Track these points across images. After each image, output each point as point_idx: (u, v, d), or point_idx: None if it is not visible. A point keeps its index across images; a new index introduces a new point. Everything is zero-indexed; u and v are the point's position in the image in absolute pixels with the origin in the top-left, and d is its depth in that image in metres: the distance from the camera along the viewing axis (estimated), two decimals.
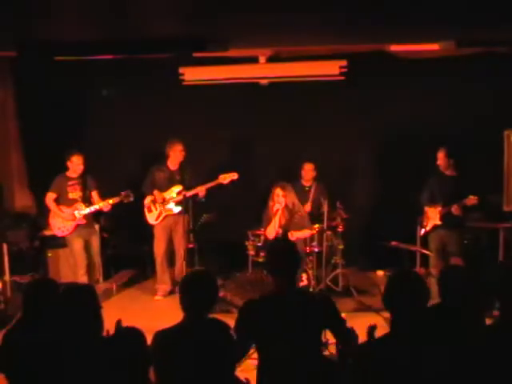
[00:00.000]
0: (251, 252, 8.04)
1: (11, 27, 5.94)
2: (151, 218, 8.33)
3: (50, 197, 7.90)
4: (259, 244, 7.97)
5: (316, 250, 7.82)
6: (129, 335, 3.52)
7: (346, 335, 4.14)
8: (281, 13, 5.34)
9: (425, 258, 7.91)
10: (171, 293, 8.23)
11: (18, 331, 4.04)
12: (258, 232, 7.95)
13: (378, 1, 4.97)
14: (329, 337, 4.67)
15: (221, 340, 3.85)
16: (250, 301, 4.29)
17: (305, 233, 7.65)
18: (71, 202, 7.87)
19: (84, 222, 7.91)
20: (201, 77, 8.38)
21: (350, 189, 9.33)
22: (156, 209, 8.27)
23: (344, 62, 8.08)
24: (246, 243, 8.06)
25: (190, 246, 8.28)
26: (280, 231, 7.63)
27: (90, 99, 9.48)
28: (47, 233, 8.62)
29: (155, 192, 8.22)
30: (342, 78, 8.15)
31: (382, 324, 6.11)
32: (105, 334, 3.76)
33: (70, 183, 7.89)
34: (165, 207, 8.22)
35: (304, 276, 7.60)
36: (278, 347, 3.95)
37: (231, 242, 8.75)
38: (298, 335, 3.96)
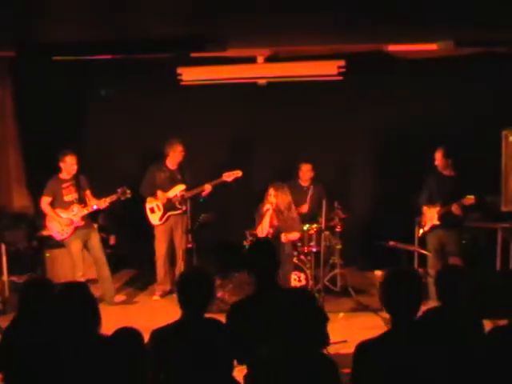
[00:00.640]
0: None
1: (10, 27, 5.94)
2: (154, 218, 8.28)
3: (45, 201, 7.78)
4: None
5: (314, 249, 7.82)
6: (126, 335, 3.51)
7: (321, 336, 4.11)
8: (279, 13, 5.35)
9: (423, 258, 7.91)
10: (170, 292, 8.23)
11: (14, 331, 4.03)
12: (254, 232, 7.96)
13: (376, 1, 4.98)
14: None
15: (218, 339, 3.86)
16: (236, 304, 4.31)
17: (295, 235, 7.69)
18: (67, 205, 7.79)
19: (82, 223, 7.87)
20: (199, 77, 8.37)
21: (348, 189, 9.33)
22: (159, 210, 8.24)
23: (342, 62, 8.08)
24: (244, 243, 8.06)
25: (189, 245, 8.27)
26: (271, 231, 7.67)
27: (88, 99, 9.47)
28: (45, 233, 8.58)
29: (159, 192, 8.18)
30: (341, 77, 8.15)
31: (380, 324, 6.15)
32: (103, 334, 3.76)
33: (64, 185, 7.78)
34: (168, 208, 8.19)
35: (302, 276, 7.61)
36: (267, 347, 3.94)
37: (229, 241, 8.75)
38: (286, 334, 3.95)
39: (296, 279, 7.62)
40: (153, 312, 7.57)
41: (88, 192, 7.97)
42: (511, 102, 8.38)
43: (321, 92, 8.79)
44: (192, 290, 3.86)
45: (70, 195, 7.81)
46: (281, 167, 9.03)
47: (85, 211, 7.84)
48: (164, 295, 8.26)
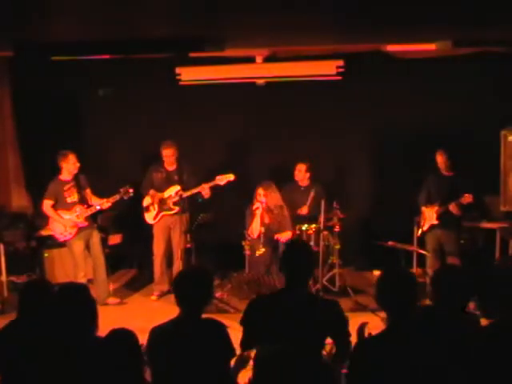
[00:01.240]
0: (248, 252, 8.05)
1: (8, 27, 5.93)
2: (149, 217, 8.33)
3: (47, 204, 7.75)
4: None
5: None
6: (120, 337, 3.51)
7: (344, 349, 4.11)
8: (278, 13, 5.35)
9: (422, 257, 7.92)
10: (168, 293, 8.23)
11: (12, 332, 4.02)
12: (247, 232, 7.98)
13: (375, 1, 4.98)
14: None
15: (215, 338, 3.86)
16: (259, 297, 4.29)
17: (287, 234, 7.72)
18: (70, 206, 7.77)
19: (86, 224, 7.87)
20: (197, 77, 8.37)
21: (346, 189, 9.32)
22: (154, 209, 8.27)
23: (341, 62, 8.08)
24: (243, 243, 8.07)
25: (188, 245, 8.27)
26: (263, 230, 7.69)
27: (86, 99, 9.47)
28: (44, 233, 8.61)
29: (152, 192, 8.22)
30: (339, 77, 8.15)
31: (378, 324, 6.13)
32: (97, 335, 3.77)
33: (65, 187, 7.75)
34: (162, 207, 8.22)
35: None
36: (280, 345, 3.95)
37: (228, 241, 8.75)
38: (300, 335, 3.95)
39: None
40: (150, 312, 7.56)
41: (88, 191, 7.97)
42: (510, 102, 8.38)
43: (319, 92, 8.79)
44: (189, 288, 3.87)
45: (72, 196, 7.79)
46: (280, 167, 9.03)
47: (88, 212, 7.83)
48: (162, 295, 8.25)
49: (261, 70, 8.44)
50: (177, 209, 8.12)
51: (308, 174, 8.55)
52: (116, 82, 9.16)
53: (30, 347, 3.77)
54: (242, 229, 8.07)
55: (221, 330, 3.91)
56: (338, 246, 8.20)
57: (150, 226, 8.37)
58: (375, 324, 3.91)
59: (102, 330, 3.78)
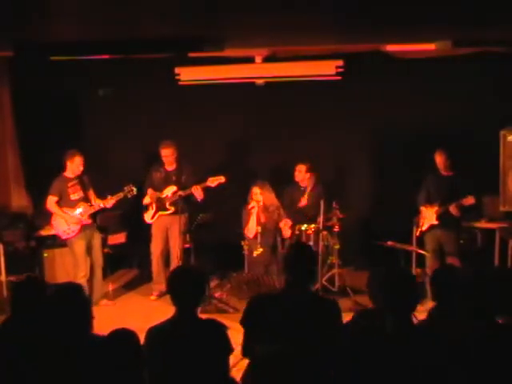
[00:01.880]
0: (247, 252, 8.05)
1: (8, 27, 5.93)
2: (147, 216, 8.35)
3: (52, 200, 7.76)
4: None
5: None
6: (122, 337, 3.51)
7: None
8: (277, 13, 5.34)
9: (421, 257, 7.92)
10: (167, 292, 8.21)
11: (5, 331, 4.02)
12: (244, 232, 7.99)
13: (374, 1, 4.98)
14: None
15: (213, 338, 3.87)
16: (259, 296, 4.30)
17: (286, 232, 7.79)
18: (74, 203, 7.79)
19: (89, 222, 7.89)
20: (197, 77, 8.37)
21: (346, 189, 9.32)
22: (152, 208, 8.29)
23: (340, 62, 8.07)
24: (242, 243, 8.07)
25: (186, 246, 8.28)
26: (259, 229, 7.70)
27: (86, 99, 9.47)
28: (43, 233, 8.61)
29: (151, 191, 8.23)
30: (339, 77, 8.15)
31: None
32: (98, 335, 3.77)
33: (70, 184, 7.79)
34: (159, 207, 8.22)
35: None
36: (278, 345, 3.95)
37: (227, 242, 8.75)
38: (300, 335, 3.95)
39: None
40: (149, 312, 7.56)
41: (91, 191, 7.99)
42: (509, 102, 8.39)
43: (319, 92, 8.79)
44: (180, 287, 3.91)
45: (76, 193, 7.81)
46: (279, 167, 9.03)
47: (92, 210, 7.86)
48: (161, 295, 8.25)
49: (260, 70, 8.44)
50: (173, 209, 8.13)
51: (308, 175, 8.54)
52: (116, 82, 9.17)
53: (24, 346, 3.76)
54: (242, 229, 8.07)
55: (219, 329, 3.92)
56: (337, 246, 8.20)
57: (150, 226, 8.38)
58: None
59: (102, 330, 3.78)
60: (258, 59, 8.36)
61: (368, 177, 9.45)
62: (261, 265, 7.99)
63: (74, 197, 7.80)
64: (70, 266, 8.03)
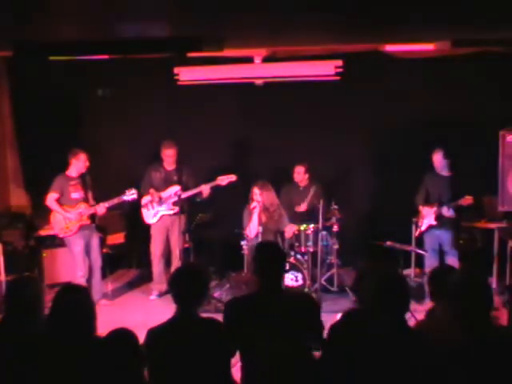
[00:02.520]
0: (246, 252, 8.05)
1: (7, 27, 5.92)
2: (148, 217, 8.34)
3: (52, 197, 7.75)
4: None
5: (311, 249, 7.83)
6: (120, 337, 3.52)
7: (318, 344, 4.12)
8: (276, 13, 5.34)
9: (420, 257, 7.92)
10: (167, 292, 8.23)
11: (1, 331, 4.02)
12: (244, 232, 7.99)
13: (374, 1, 4.97)
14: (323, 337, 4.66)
15: (213, 338, 3.86)
16: (234, 300, 4.31)
17: (291, 228, 7.78)
18: (74, 202, 7.79)
19: (88, 222, 7.89)
20: (196, 77, 8.35)
21: (345, 189, 9.32)
22: (153, 208, 8.28)
23: (340, 62, 8.06)
24: (242, 243, 8.07)
25: (186, 245, 8.28)
26: (260, 229, 7.71)
27: (86, 99, 9.47)
28: (42, 233, 8.62)
29: (152, 191, 8.22)
30: (338, 78, 8.14)
31: None
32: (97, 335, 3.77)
33: (71, 183, 7.79)
34: (161, 207, 8.22)
35: (299, 276, 7.61)
36: (261, 348, 3.94)
37: (227, 241, 8.75)
38: (282, 336, 3.95)
39: (293, 279, 7.63)
40: (149, 312, 7.57)
41: (90, 193, 7.98)
42: (508, 102, 8.39)
43: (318, 92, 8.78)
44: (183, 286, 3.89)
45: (76, 193, 7.82)
46: (279, 167, 9.03)
47: (91, 210, 7.86)
48: (161, 295, 8.26)
49: (259, 70, 8.43)
50: (176, 209, 8.12)
51: (307, 175, 8.56)
52: (115, 81, 9.17)
53: (23, 346, 3.76)
54: (241, 229, 8.08)
55: (219, 329, 3.92)
56: (336, 246, 8.22)
57: (149, 226, 8.38)
58: None
59: (101, 330, 3.79)
60: (257, 59, 8.35)
61: (367, 177, 9.45)
62: None
63: (74, 195, 7.81)
64: (69, 266, 8.04)
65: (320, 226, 7.82)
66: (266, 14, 5.39)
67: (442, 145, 7.67)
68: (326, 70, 8.08)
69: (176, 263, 8.16)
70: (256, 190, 7.79)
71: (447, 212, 7.48)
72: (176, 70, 8.32)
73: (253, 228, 7.80)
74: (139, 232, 8.90)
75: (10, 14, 5.20)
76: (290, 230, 7.91)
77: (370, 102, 8.98)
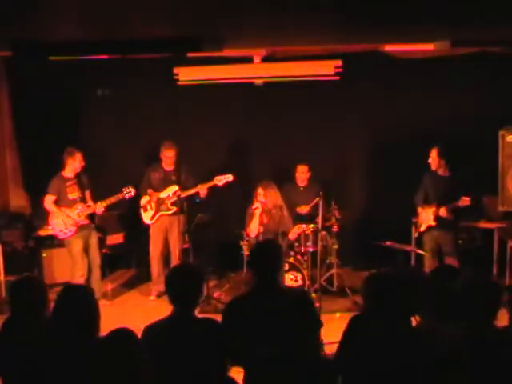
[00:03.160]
0: (246, 252, 8.04)
1: (7, 27, 5.92)
2: (146, 217, 8.34)
3: (49, 199, 7.74)
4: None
5: (311, 249, 7.82)
6: (121, 336, 3.51)
7: (314, 342, 4.11)
8: (276, 13, 5.34)
9: (420, 258, 7.92)
10: (166, 293, 8.21)
11: (6, 331, 4.01)
12: (245, 232, 7.99)
13: (373, 1, 4.97)
14: (323, 337, 4.66)
15: (211, 337, 3.86)
16: (232, 300, 4.31)
17: (296, 231, 7.76)
18: (72, 203, 7.78)
19: (86, 222, 7.88)
20: (195, 77, 8.36)
21: (345, 189, 9.32)
22: (152, 208, 8.27)
23: (339, 62, 8.07)
24: (241, 243, 8.06)
25: (185, 246, 8.28)
26: (261, 230, 7.71)
27: (86, 99, 9.46)
28: (42, 233, 8.61)
29: (150, 192, 8.22)
30: (337, 78, 8.14)
31: None
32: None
33: (68, 184, 7.78)
34: (159, 207, 8.22)
35: (299, 276, 7.61)
36: (261, 347, 3.94)
37: (226, 242, 8.75)
38: (281, 335, 3.95)
39: (293, 279, 7.62)
40: (148, 312, 7.56)
41: (88, 192, 7.97)
42: (508, 102, 8.39)
43: (317, 92, 8.78)
44: (179, 285, 3.90)
45: (74, 193, 7.81)
46: (278, 167, 9.02)
47: (89, 210, 7.84)
48: (160, 295, 8.25)
49: (259, 70, 8.44)
50: (175, 209, 8.11)
51: (308, 175, 8.57)
52: (115, 81, 9.17)
53: (25, 346, 3.76)
54: (241, 229, 8.07)
55: (217, 329, 3.91)
56: (336, 246, 8.20)
57: (148, 226, 8.37)
58: None
59: (102, 329, 3.78)
60: (257, 59, 8.36)
61: (367, 177, 9.45)
62: None
63: (71, 196, 7.80)
64: (69, 266, 8.02)
65: (320, 225, 7.81)
66: (265, 14, 5.39)
67: (441, 144, 7.65)
68: (325, 69, 8.09)
69: (175, 263, 8.15)
70: (260, 191, 7.76)
71: (444, 213, 7.47)
72: (176, 70, 8.34)
73: (254, 228, 7.79)
74: (138, 232, 8.90)
75: (9, 13, 5.19)
76: (294, 232, 7.87)
77: (370, 102, 8.98)
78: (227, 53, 7.43)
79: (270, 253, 4.25)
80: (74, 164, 7.75)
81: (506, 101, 8.46)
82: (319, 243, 7.90)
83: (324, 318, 4.24)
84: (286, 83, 8.46)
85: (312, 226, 7.92)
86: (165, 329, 3.87)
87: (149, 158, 8.57)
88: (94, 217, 8.28)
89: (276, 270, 4.24)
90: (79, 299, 3.81)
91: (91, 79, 9.13)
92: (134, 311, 7.82)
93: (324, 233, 8.13)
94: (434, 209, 7.62)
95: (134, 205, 8.39)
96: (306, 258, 7.82)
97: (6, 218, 9.03)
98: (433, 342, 3.54)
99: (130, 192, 7.89)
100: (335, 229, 8.13)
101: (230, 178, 8.08)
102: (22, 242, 8.74)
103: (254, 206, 7.77)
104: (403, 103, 8.91)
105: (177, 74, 8.38)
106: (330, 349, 5.60)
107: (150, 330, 3.88)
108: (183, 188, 8.08)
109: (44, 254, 8.61)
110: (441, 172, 7.65)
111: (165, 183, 8.23)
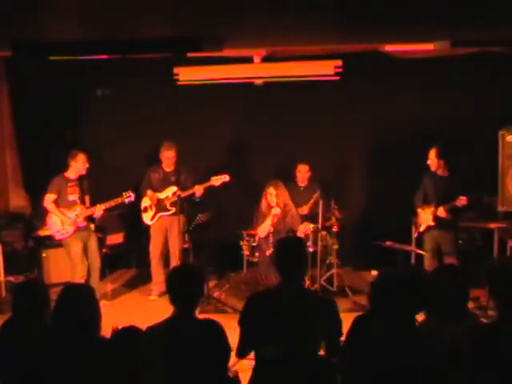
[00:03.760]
0: (246, 252, 8.05)
1: (6, 27, 5.92)
2: (146, 218, 8.35)
3: (49, 198, 7.73)
4: (254, 244, 8.02)
5: (311, 249, 7.82)
6: (127, 336, 3.51)
7: (334, 350, 4.09)
8: (276, 13, 5.34)
9: (420, 258, 7.91)
10: (166, 293, 8.20)
11: (7, 332, 4.01)
12: (253, 232, 7.98)
13: (373, 1, 4.97)
14: None
15: (212, 338, 3.86)
16: (254, 295, 4.28)
17: (304, 228, 7.77)
18: (71, 204, 7.77)
19: (85, 224, 7.87)
20: (195, 77, 8.35)
21: (345, 189, 9.32)
22: (151, 209, 8.28)
23: (339, 62, 8.07)
24: (241, 243, 8.06)
25: (185, 246, 8.28)
26: (271, 230, 7.69)
27: (86, 99, 9.46)
28: (42, 233, 8.61)
29: (150, 192, 8.22)
30: (337, 78, 8.14)
31: None
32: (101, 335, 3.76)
33: (69, 184, 7.77)
34: (159, 208, 8.22)
35: None
36: (274, 345, 3.94)
37: (226, 242, 8.75)
38: (296, 335, 3.94)
39: None
40: (148, 312, 7.56)
41: (87, 197, 7.97)
42: (508, 102, 8.39)
43: (317, 92, 8.78)
44: (180, 286, 3.90)
45: (73, 194, 7.79)
46: (278, 167, 9.02)
47: (88, 212, 7.83)
48: (161, 295, 8.25)
49: (259, 70, 8.43)
50: (174, 209, 8.12)
51: (309, 174, 8.57)
52: (115, 81, 9.16)
53: (26, 346, 3.76)
54: (241, 229, 8.07)
55: (218, 329, 3.91)
56: (336, 246, 8.20)
57: (148, 226, 8.38)
58: None
59: (103, 329, 3.79)
60: (257, 59, 8.36)
61: (367, 177, 9.46)
62: (271, 265, 7.97)
63: (71, 197, 7.78)
64: (68, 266, 8.01)
65: (320, 225, 7.81)
66: (265, 14, 5.39)
67: (439, 144, 7.65)
68: (325, 69, 8.08)
69: (175, 263, 8.14)
70: (271, 190, 7.73)
71: (442, 213, 7.47)
72: (176, 69, 8.33)
73: (265, 229, 7.76)
74: (138, 232, 8.90)
75: (8, 13, 5.19)
76: (303, 229, 7.86)
77: (370, 102, 8.98)
78: (227, 53, 7.43)
79: (297, 251, 4.20)
80: (76, 166, 7.75)
81: (506, 101, 8.47)
82: (319, 243, 7.90)
83: None
84: (286, 83, 8.45)
85: (312, 225, 7.93)
86: (165, 330, 3.86)
87: (149, 158, 8.57)
88: (94, 218, 8.28)
89: (300, 269, 4.21)
90: (80, 299, 3.81)
91: (91, 79, 9.13)
92: (134, 311, 7.82)
93: (324, 233, 8.13)
94: (432, 209, 7.62)
95: (133, 205, 8.39)
96: None
97: (6, 218, 9.03)
98: (433, 342, 3.54)
99: (129, 197, 7.89)
100: (335, 229, 8.13)
101: (226, 178, 8.09)
102: (22, 242, 8.74)
103: (274, 211, 7.72)
104: (403, 103, 8.90)
105: (177, 74, 8.37)
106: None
107: (150, 331, 3.86)
108: (183, 188, 8.09)
109: (44, 254, 8.61)
110: (440, 172, 7.65)
111: (164, 184, 8.24)
